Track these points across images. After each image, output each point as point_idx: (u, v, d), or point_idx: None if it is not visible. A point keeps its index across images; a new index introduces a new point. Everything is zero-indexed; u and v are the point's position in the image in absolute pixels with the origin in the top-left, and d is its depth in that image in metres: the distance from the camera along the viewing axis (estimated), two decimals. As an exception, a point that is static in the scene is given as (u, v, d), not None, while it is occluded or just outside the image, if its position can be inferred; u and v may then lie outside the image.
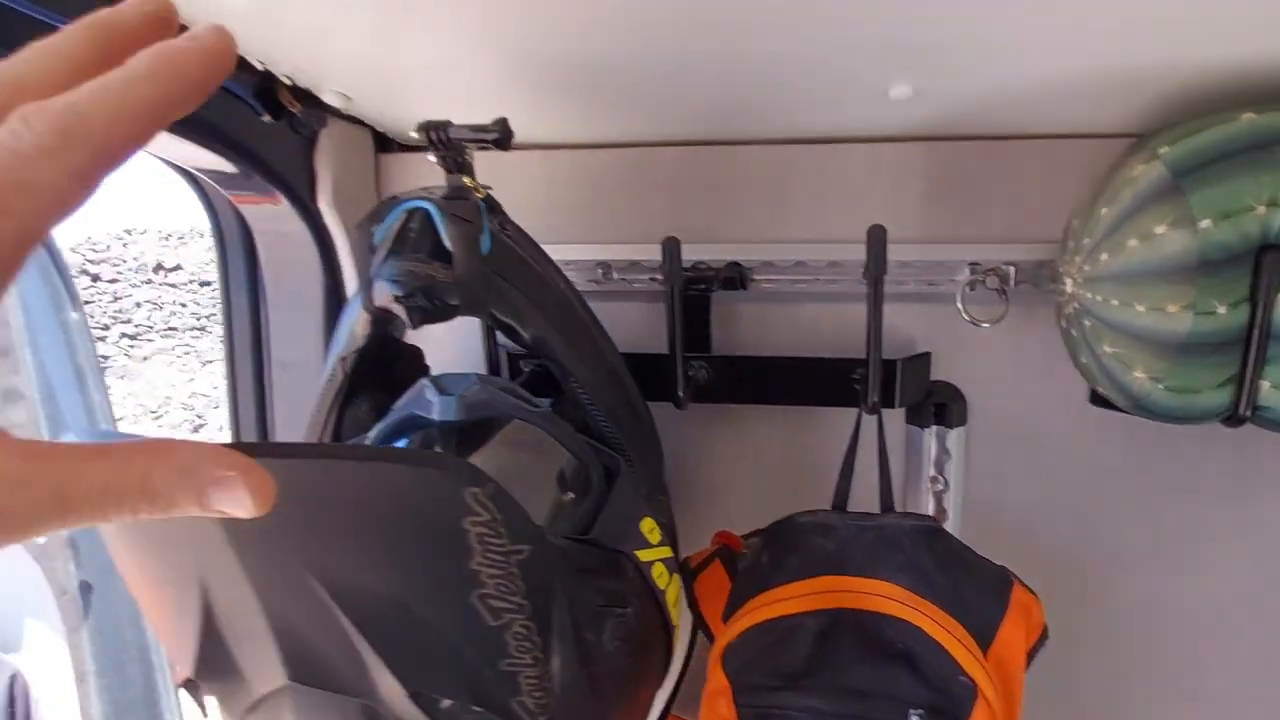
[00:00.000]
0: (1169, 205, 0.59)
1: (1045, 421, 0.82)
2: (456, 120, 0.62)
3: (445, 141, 0.62)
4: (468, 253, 0.60)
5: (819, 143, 0.80)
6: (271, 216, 0.78)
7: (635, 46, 0.60)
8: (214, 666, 0.49)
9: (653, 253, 0.77)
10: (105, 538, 0.47)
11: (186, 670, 0.50)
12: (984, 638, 0.64)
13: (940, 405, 0.83)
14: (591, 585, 0.53)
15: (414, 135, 0.63)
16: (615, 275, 0.84)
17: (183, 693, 0.55)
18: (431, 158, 0.63)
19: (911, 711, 0.61)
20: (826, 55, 0.61)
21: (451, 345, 0.85)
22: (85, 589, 1.03)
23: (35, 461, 0.19)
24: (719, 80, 0.66)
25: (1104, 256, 0.63)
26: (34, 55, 0.21)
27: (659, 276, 0.80)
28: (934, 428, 0.83)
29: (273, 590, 0.44)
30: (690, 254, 0.78)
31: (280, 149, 0.73)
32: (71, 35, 0.22)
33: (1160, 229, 0.59)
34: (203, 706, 0.54)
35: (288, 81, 0.69)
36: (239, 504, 0.22)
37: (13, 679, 1.10)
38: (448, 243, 0.60)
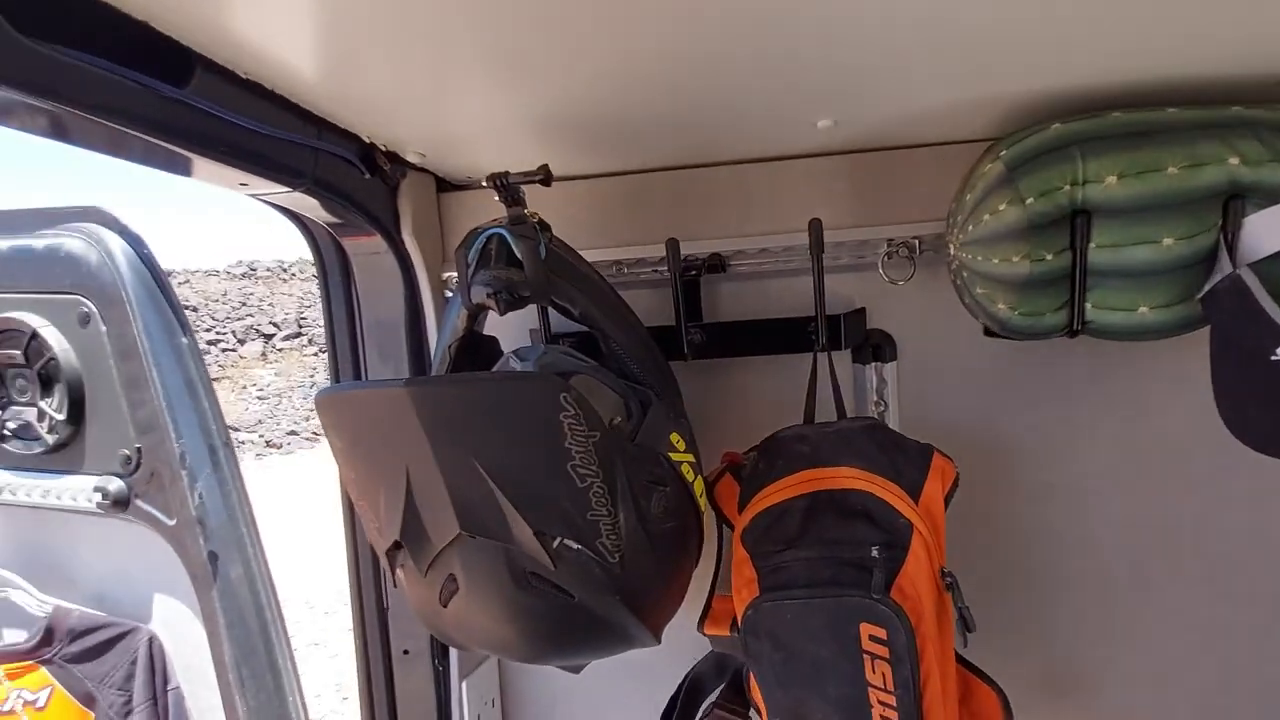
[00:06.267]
0: (1006, 189, 0.87)
1: (952, 352, 1.11)
2: (500, 166, 0.87)
3: (505, 185, 0.88)
4: (532, 260, 0.87)
5: (771, 160, 1.08)
6: (368, 248, 1.04)
7: (631, 105, 0.85)
8: (411, 530, 0.75)
9: (654, 251, 1.04)
10: (337, 464, 0.74)
11: (395, 536, 0.76)
12: (914, 492, 0.90)
13: (876, 346, 1.11)
14: (641, 467, 0.79)
15: (483, 183, 0.89)
16: (626, 270, 1.11)
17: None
18: (496, 197, 0.89)
19: (872, 547, 0.86)
20: (770, 102, 0.87)
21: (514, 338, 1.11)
22: (213, 558, 1.27)
23: None
24: (693, 124, 0.93)
25: (970, 228, 0.91)
26: None
27: (660, 268, 1.07)
28: (873, 364, 1.11)
29: (449, 468, 0.71)
30: (682, 250, 1.05)
31: (375, 196, 0.99)
32: None
33: (1002, 206, 0.87)
34: (394, 573, 0.80)
35: (383, 148, 0.95)
36: None
37: (150, 640, 1.35)
38: (518, 254, 0.86)
